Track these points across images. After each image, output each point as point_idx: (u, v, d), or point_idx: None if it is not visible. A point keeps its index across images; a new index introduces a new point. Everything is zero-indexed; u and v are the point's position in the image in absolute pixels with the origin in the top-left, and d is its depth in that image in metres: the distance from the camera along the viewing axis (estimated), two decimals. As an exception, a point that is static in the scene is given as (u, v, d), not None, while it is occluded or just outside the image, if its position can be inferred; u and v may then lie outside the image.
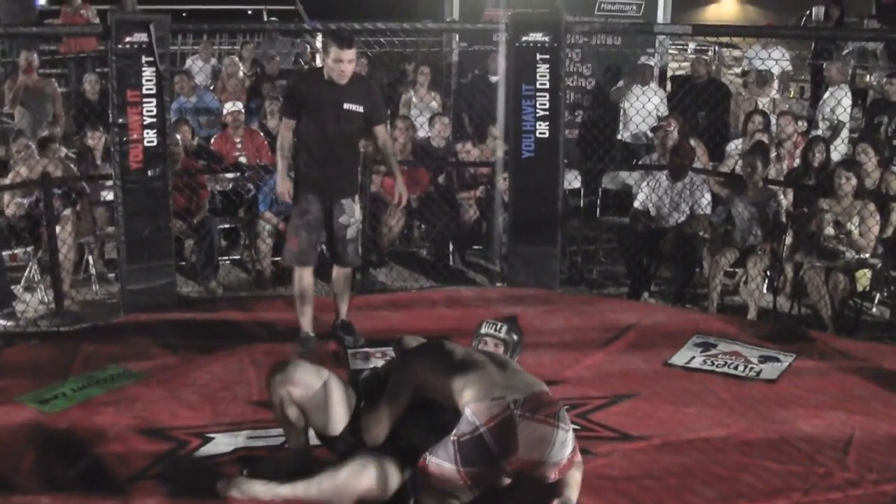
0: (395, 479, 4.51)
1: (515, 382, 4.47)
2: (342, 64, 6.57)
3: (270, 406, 4.80)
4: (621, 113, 11.45)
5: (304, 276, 6.91)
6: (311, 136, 6.77)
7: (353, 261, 7.11)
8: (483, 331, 5.11)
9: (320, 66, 6.99)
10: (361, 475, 4.45)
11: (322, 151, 6.77)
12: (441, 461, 4.31)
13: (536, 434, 4.30)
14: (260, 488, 4.57)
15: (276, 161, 7.04)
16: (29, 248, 8.49)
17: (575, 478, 4.56)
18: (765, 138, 9.56)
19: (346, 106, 6.70)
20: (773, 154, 9.42)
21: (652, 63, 11.66)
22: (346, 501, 4.45)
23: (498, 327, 5.11)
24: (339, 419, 4.76)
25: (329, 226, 6.90)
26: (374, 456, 4.55)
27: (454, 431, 4.31)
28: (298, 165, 6.90)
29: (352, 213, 6.91)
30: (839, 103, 10.62)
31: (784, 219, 8.44)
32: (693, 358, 6.77)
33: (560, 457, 4.36)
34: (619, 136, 11.38)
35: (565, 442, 4.36)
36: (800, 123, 10.31)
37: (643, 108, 10.46)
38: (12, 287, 8.24)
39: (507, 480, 4.55)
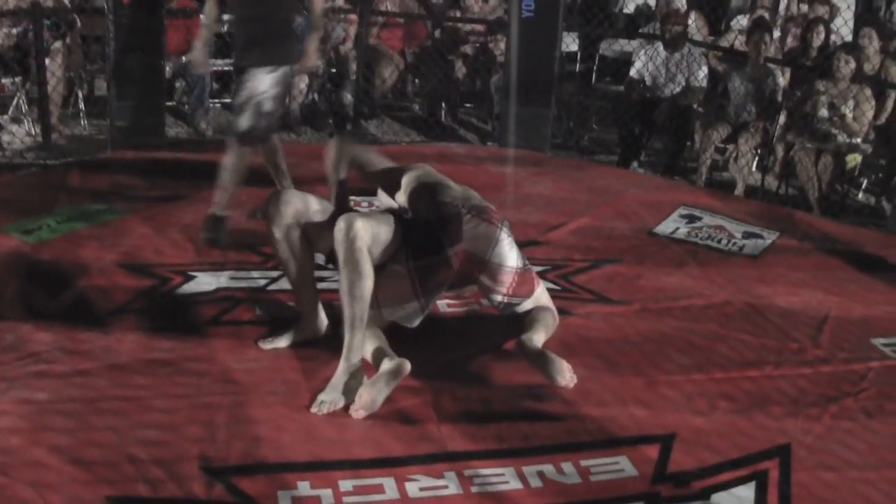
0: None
1: (469, 195, 4.71)
2: None
3: (271, 241, 4.67)
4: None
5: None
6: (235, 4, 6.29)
7: (234, 128, 6.18)
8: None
9: None
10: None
11: (240, 14, 6.29)
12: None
13: (480, 230, 4.50)
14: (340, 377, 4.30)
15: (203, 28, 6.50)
16: (17, 79, 8.40)
17: (545, 319, 4.66)
18: (767, 15, 9.46)
19: None
20: (776, 33, 9.35)
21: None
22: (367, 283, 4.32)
23: None
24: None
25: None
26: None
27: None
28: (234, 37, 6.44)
29: (252, 82, 6.07)
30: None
31: (779, 98, 8.40)
32: (678, 229, 6.80)
33: (503, 260, 4.53)
34: (619, 5, 11.23)
35: (510, 248, 4.55)
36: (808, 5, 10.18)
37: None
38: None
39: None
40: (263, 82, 6.07)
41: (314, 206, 4.62)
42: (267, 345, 4.68)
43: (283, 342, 4.70)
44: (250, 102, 6.02)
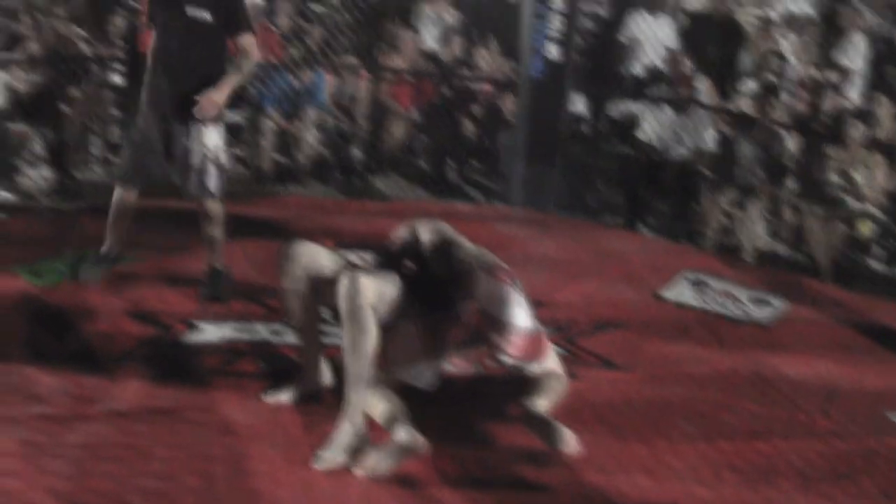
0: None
1: (483, 253, 4.69)
2: None
3: (279, 291, 4.67)
4: (629, 42, 11.30)
5: (123, 197, 6.04)
6: (155, 45, 5.89)
7: (197, 192, 5.99)
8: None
9: None
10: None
11: (163, 64, 5.85)
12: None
13: (494, 288, 4.47)
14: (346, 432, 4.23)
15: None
16: (34, 125, 8.48)
17: (552, 385, 4.62)
18: (776, 80, 9.50)
19: (189, 12, 5.78)
20: (783, 97, 9.37)
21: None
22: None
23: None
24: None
25: (169, 150, 5.96)
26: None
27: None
28: (145, 80, 5.98)
29: (200, 139, 5.86)
30: (854, 49, 10.52)
31: (788, 162, 8.41)
32: (684, 293, 6.77)
33: (516, 320, 4.47)
34: (625, 66, 11.25)
35: (522, 308, 4.51)
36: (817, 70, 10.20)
37: (654, 37, 10.37)
38: (16, 161, 8.23)
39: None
40: (210, 137, 5.90)
41: (324, 261, 4.60)
42: (270, 398, 4.65)
43: (285, 396, 4.67)
44: (207, 161, 5.89)
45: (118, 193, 6.03)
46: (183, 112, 5.81)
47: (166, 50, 5.83)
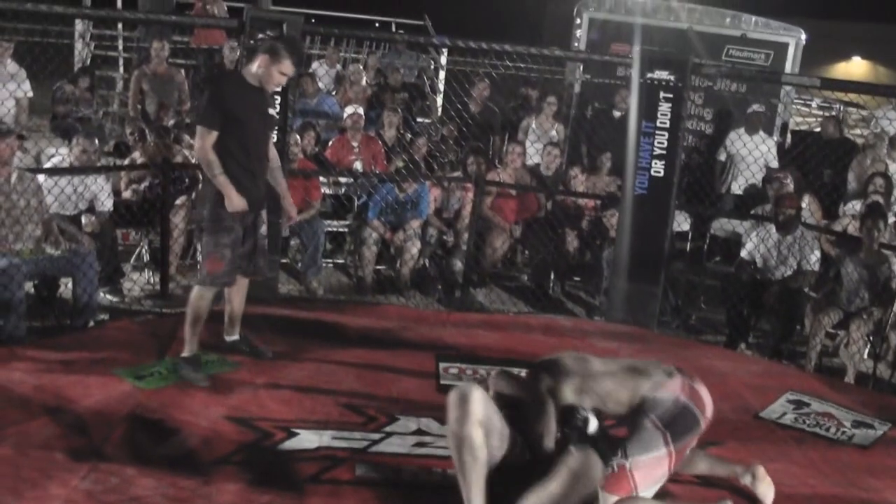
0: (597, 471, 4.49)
1: (655, 362, 4.87)
2: (286, 77, 6.30)
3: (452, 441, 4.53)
4: (729, 161, 11.31)
5: (208, 297, 6.34)
6: (237, 145, 6.14)
7: (267, 272, 6.74)
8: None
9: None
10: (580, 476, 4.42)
11: (251, 162, 6.24)
12: (645, 456, 4.51)
13: (705, 391, 4.76)
14: None
15: (217, 179, 6.10)
16: (141, 231, 8.73)
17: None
18: (882, 201, 9.42)
19: (270, 111, 6.46)
20: (891, 219, 9.29)
21: (762, 110, 11.48)
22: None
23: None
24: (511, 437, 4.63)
25: (251, 238, 6.43)
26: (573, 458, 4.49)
27: (650, 420, 4.55)
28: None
29: (263, 223, 6.56)
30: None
31: (894, 285, 8.31)
32: (785, 414, 6.68)
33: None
34: (726, 185, 11.26)
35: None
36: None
37: (749, 155, 10.39)
38: (122, 265, 8.45)
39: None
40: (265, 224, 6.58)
41: (495, 416, 4.57)
42: None
43: None
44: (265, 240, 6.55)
45: (208, 294, 6.33)
46: (263, 202, 6.47)
47: (252, 149, 6.23)
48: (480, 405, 4.38)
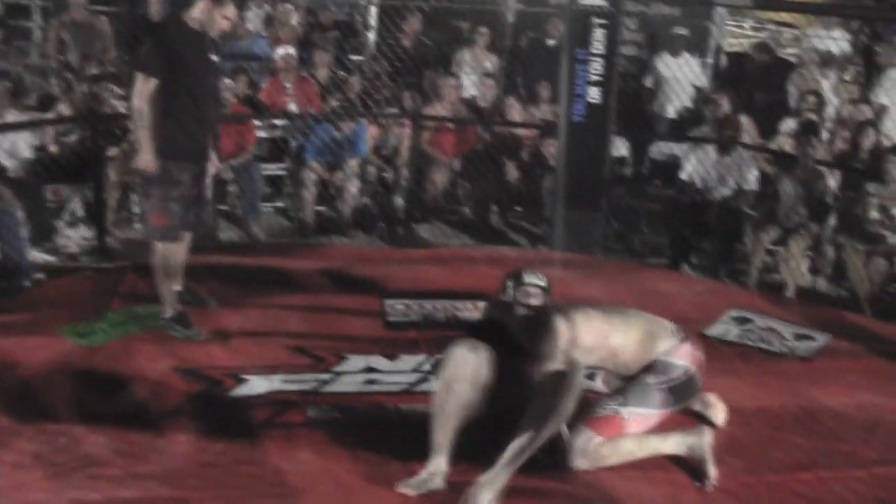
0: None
1: (660, 320, 4.98)
2: (228, 22, 6.06)
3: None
4: (658, 85, 11.31)
5: (174, 251, 6.19)
6: (183, 93, 5.92)
7: (212, 222, 6.67)
8: (527, 280, 4.84)
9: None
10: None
11: (198, 110, 6.01)
12: (642, 409, 4.63)
13: (701, 353, 4.96)
14: (492, 479, 4.30)
15: (140, 131, 5.86)
16: (74, 186, 8.58)
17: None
18: (816, 119, 9.50)
19: (213, 57, 6.10)
20: (824, 135, 9.38)
21: (684, 32, 11.43)
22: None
23: (539, 276, 4.91)
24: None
25: (195, 189, 6.18)
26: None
27: (656, 379, 4.68)
28: (165, 130, 5.93)
29: (209, 173, 6.33)
30: (891, 86, 10.50)
31: (830, 200, 8.41)
32: (729, 331, 6.78)
33: None
34: (662, 108, 11.27)
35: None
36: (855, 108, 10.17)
37: (673, 77, 10.41)
38: (55, 222, 8.34)
39: None
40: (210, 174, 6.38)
41: (485, 370, 4.62)
42: (408, 488, 4.44)
43: (423, 485, 4.45)
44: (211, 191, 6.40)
45: (166, 248, 6.11)
46: (209, 153, 6.23)
47: (197, 98, 5.99)
48: (467, 364, 4.48)
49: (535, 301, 4.75)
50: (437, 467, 4.44)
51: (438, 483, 4.39)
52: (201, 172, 6.17)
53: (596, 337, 4.67)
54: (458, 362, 4.54)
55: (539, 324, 4.65)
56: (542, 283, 4.84)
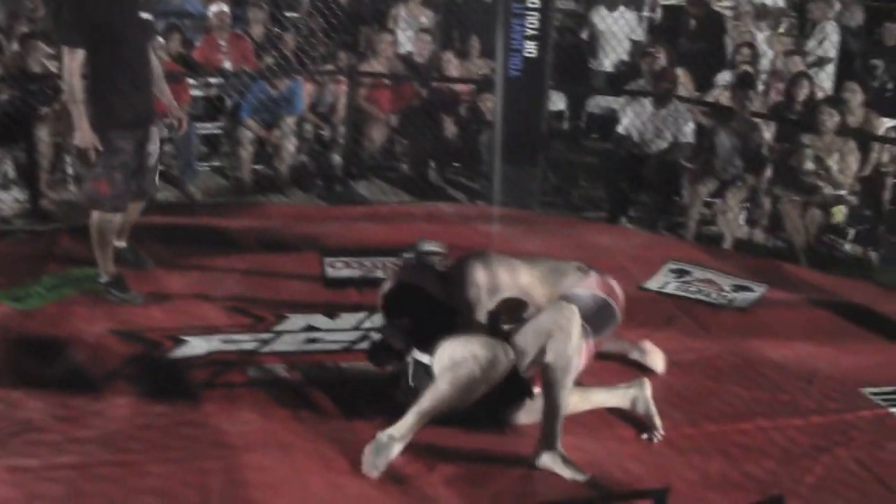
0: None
1: (567, 262, 5.00)
2: None
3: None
4: (595, 38, 11.31)
5: (111, 219, 5.94)
6: (114, 58, 5.67)
7: (155, 189, 6.44)
8: (425, 248, 5.06)
9: None
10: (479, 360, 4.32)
11: (132, 74, 5.76)
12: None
13: (617, 285, 4.97)
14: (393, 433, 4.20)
15: (74, 106, 5.63)
16: (4, 147, 8.42)
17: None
18: (751, 71, 9.55)
19: (142, 15, 5.87)
20: (759, 87, 9.44)
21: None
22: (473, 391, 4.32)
23: (436, 243, 5.11)
24: None
25: (138, 156, 5.96)
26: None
27: None
28: (100, 99, 5.71)
29: (155, 140, 6.11)
30: (826, 38, 10.59)
31: (765, 151, 8.48)
32: (667, 283, 6.82)
33: None
34: (599, 62, 11.28)
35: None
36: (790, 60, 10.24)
37: (609, 30, 10.42)
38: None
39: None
40: (156, 140, 6.14)
41: None
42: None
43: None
44: (156, 157, 6.15)
45: (108, 218, 5.92)
46: (150, 118, 6.00)
47: (130, 61, 5.76)
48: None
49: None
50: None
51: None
52: (143, 138, 5.94)
53: (509, 277, 4.67)
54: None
55: (457, 272, 4.67)
56: (441, 250, 4.95)
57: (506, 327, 4.58)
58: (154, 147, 6.07)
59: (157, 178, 6.31)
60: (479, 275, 4.58)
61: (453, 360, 4.29)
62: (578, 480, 4.17)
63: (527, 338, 4.37)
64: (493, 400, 4.40)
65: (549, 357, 4.29)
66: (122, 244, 6.32)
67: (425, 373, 4.46)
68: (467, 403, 4.28)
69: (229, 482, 4.05)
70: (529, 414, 4.56)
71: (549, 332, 4.30)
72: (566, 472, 4.20)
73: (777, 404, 5.06)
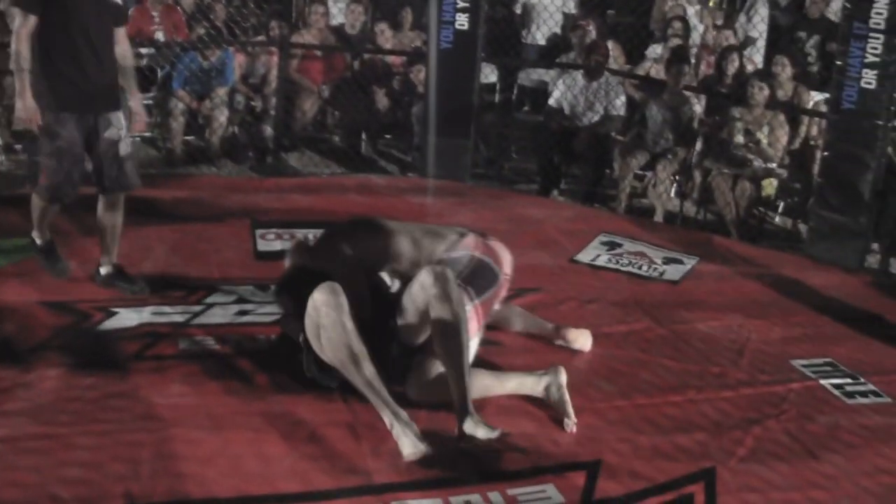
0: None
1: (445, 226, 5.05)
2: None
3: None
4: (526, 11, 11.31)
5: (52, 212, 5.71)
6: (64, 35, 5.26)
7: (133, 182, 5.66)
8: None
9: None
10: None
11: (85, 53, 5.31)
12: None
13: (502, 247, 4.87)
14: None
15: (20, 74, 5.22)
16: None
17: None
18: (682, 45, 9.61)
19: None
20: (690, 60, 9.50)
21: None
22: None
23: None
24: None
25: (92, 146, 5.51)
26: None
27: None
28: (46, 76, 5.30)
29: (120, 126, 5.53)
30: (756, 12, 10.68)
31: (696, 125, 8.55)
32: (598, 256, 6.87)
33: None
34: (530, 35, 11.29)
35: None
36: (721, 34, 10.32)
37: (541, 4, 10.42)
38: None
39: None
40: (124, 122, 5.62)
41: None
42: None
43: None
44: (128, 146, 5.62)
45: (49, 208, 5.67)
46: (107, 104, 5.49)
47: (83, 40, 5.30)
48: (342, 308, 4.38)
49: None
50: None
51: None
52: (95, 125, 5.47)
53: (384, 244, 4.69)
54: (333, 307, 4.41)
55: (322, 248, 4.78)
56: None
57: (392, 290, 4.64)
58: (115, 134, 5.51)
59: (134, 170, 5.68)
60: (343, 248, 4.64)
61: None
62: (492, 438, 4.14)
63: (407, 311, 4.42)
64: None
65: (434, 326, 4.32)
66: (107, 269, 5.78)
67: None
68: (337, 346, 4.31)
69: (159, 455, 4.02)
70: (420, 389, 4.55)
71: (425, 301, 4.32)
72: (480, 432, 4.15)
73: (708, 376, 5.11)
